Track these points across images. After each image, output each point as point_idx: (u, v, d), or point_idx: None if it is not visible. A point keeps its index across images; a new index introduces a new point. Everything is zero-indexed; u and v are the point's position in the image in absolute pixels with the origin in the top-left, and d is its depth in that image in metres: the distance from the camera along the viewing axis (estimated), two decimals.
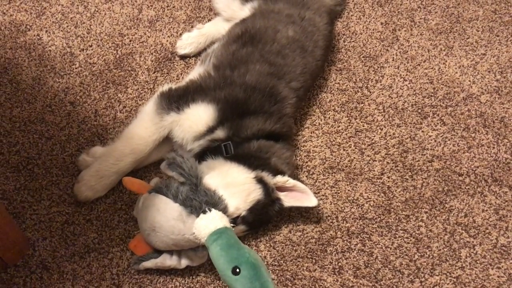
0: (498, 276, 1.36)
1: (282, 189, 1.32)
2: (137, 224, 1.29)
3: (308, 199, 1.29)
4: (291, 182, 1.30)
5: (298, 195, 1.31)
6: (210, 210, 1.16)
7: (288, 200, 1.32)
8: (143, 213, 1.22)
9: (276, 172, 1.31)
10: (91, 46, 1.68)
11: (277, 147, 1.38)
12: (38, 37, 1.68)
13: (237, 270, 1.11)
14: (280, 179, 1.30)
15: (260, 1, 1.63)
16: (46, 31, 1.69)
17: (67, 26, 1.71)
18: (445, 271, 1.36)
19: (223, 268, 1.13)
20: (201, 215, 1.16)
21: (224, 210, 1.20)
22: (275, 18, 1.57)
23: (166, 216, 1.17)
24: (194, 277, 1.30)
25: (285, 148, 1.40)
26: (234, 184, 1.27)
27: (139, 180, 1.32)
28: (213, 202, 1.18)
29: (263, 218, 1.32)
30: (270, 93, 1.42)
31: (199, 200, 1.17)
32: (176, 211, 1.17)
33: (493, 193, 1.49)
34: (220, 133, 1.36)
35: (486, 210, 1.46)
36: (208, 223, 1.15)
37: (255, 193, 1.28)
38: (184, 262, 1.25)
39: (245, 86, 1.40)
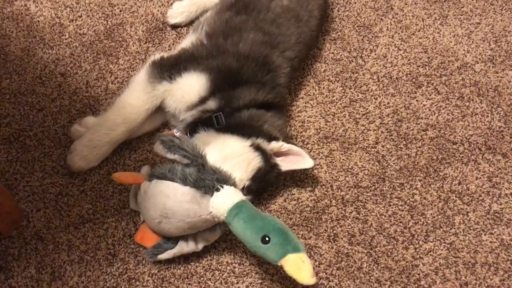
0: (491, 242, 1.38)
1: (277, 154, 1.32)
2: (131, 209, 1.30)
3: (304, 161, 1.30)
4: (286, 146, 1.30)
5: (294, 159, 1.31)
6: (222, 187, 1.14)
7: (285, 164, 1.32)
8: (149, 202, 1.19)
9: (270, 138, 1.31)
10: (80, 16, 1.64)
11: (268, 115, 1.37)
12: (26, 8, 1.64)
13: (267, 238, 1.09)
14: (275, 145, 1.30)
15: None
16: (34, 1, 1.65)
17: None
18: (439, 237, 1.37)
19: (252, 239, 1.11)
20: (216, 193, 1.13)
21: (234, 185, 1.18)
22: None
23: (178, 201, 1.14)
24: None
25: (277, 117, 1.39)
26: (232, 156, 1.26)
27: (129, 172, 1.30)
28: (223, 178, 1.15)
29: (265, 184, 1.32)
30: (263, 62, 1.40)
31: (210, 179, 1.14)
32: (188, 194, 1.14)
33: (486, 160, 1.50)
34: (211, 104, 1.34)
35: (480, 178, 1.47)
36: (225, 200, 1.12)
37: (255, 161, 1.28)
38: (201, 245, 1.24)
39: (238, 55, 1.38)
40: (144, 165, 1.34)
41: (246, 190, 1.26)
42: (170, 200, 1.15)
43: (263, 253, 1.10)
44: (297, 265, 1.08)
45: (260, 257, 1.15)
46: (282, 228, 1.12)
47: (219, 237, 1.28)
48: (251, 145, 1.28)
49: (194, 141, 1.22)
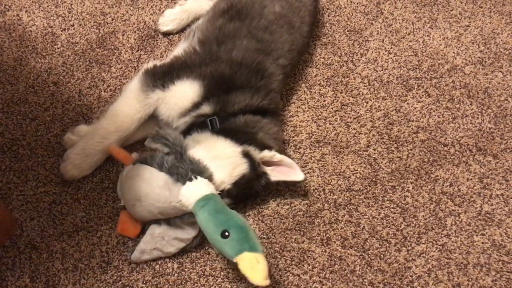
0: (483, 243, 1.39)
1: (269, 163, 1.32)
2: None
3: (294, 174, 1.30)
4: (278, 156, 1.30)
5: (284, 170, 1.32)
6: (196, 178, 1.18)
7: (275, 174, 1.32)
8: (127, 183, 1.23)
9: (263, 147, 1.31)
10: (72, 25, 1.66)
11: (264, 122, 1.38)
12: (18, 18, 1.65)
13: (226, 233, 1.12)
14: (266, 154, 1.31)
15: None
16: (26, 11, 1.66)
17: (48, 6, 1.68)
18: (431, 239, 1.38)
19: (212, 232, 1.14)
20: (188, 183, 1.18)
21: (209, 179, 1.21)
22: None
23: (151, 185, 1.19)
24: (183, 252, 1.31)
25: (272, 123, 1.40)
26: (220, 157, 1.28)
27: (124, 151, 1.32)
28: (199, 170, 1.20)
29: (249, 192, 1.33)
30: (256, 69, 1.41)
31: (185, 168, 1.18)
32: (161, 180, 1.19)
33: (477, 162, 1.51)
34: (206, 108, 1.35)
35: (471, 179, 1.48)
36: (195, 190, 1.17)
37: (241, 167, 1.29)
38: (171, 242, 1.25)
39: (231, 62, 1.39)
40: (134, 152, 1.37)
41: (225, 193, 1.27)
42: (144, 183, 1.19)
43: (221, 247, 1.13)
44: (251, 264, 1.10)
45: (218, 251, 1.19)
46: (243, 226, 1.15)
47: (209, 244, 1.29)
48: (241, 152, 1.29)
49: (180, 135, 1.27)
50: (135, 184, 1.20)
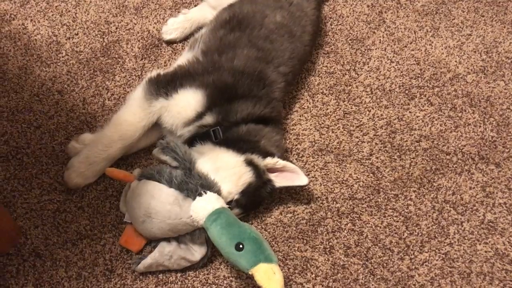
0: (486, 251, 1.39)
1: (272, 170, 1.33)
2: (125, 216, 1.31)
3: (298, 178, 1.31)
4: (281, 162, 1.31)
5: (288, 175, 1.32)
6: (205, 193, 1.18)
7: (279, 180, 1.33)
8: (135, 200, 1.22)
9: (265, 154, 1.32)
10: (77, 34, 1.67)
11: (266, 130, 1.39)
12: (23, 27, 1.66)
13: (241, 246, 1.12)
14: (270, 161, 1.31)
15: None
16: (31, 20, 1.68)
17: (52, 15, 1.70)
18: (434, 247, 1.38)
19: (226, 246, 1.13)
20: (198, 198, 1.18)
21: (219, 192, 1.22)
22: (262, 3, 1.56)
23: (161, 201, 1.18)
24: None
25: (275, 132, 1.41)
26: (224, 168, 1.28)
27: (123, 171, 1.33)
28: (208, 184, 1.20)
29: (256, 200, 1.33)
30: (258, 77, 1.42)
31: (194, 183, 1.18)
32: (171, 196, 1.18)
33: (480, 170, 1.52)
34: (208, 119, 1.36)
35: (473, 188, 1.49)
36: (206, 205, 1.17)
37: (246, 176, 1.29)
38: (185, 243, 1.25)
39: (233, 71, 1.40)
40: (137, 168, 1.37)
41: (235, 204, 1.28)
42: (155, 200, 1.19)
43: (236, 260, 1.13)
44: (268, 275, 1.10)
45: (232, 264, 1.18)
46: (257, 238, 1.15)
47: (212, 253, 1.29)
48: (244, 160, 1.30)
49: (188, 149, 1.27)
50: (144, 201, 1.20)
